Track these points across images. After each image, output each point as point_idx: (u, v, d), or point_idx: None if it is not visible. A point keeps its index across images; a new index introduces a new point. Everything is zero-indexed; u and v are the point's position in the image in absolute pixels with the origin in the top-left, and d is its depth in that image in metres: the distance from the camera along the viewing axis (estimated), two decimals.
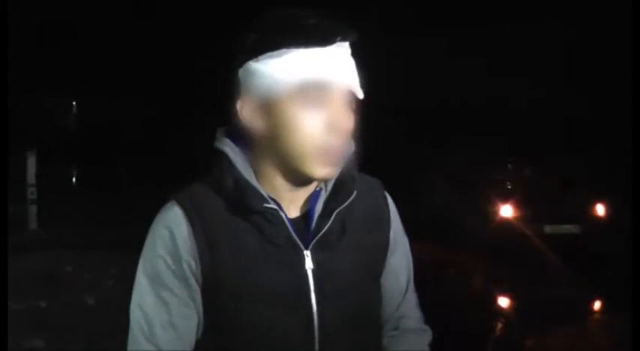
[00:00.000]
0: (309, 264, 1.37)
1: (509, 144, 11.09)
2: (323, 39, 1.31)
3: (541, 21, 14.07)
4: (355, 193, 1.42)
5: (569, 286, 7.23)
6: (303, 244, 1.37)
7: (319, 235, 1.38)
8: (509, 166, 10.49)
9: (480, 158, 10.34)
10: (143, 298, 1.39)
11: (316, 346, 1.38)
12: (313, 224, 1.39)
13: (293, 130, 1.33)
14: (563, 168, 10.10)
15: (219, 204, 1.38)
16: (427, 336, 1.61)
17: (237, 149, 1.41)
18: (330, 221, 1.38)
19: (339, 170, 1.40)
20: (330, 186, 1.43)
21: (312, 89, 1.32)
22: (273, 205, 1.36)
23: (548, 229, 9.14)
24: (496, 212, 9.24)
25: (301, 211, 1.42)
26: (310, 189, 1.42)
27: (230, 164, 1.39)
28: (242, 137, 1.42)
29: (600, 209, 9.43)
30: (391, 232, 1.52)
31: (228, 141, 1.42)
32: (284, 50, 1.32)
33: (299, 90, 1.32)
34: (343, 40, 1.34)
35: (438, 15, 14.93)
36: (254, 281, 1.35)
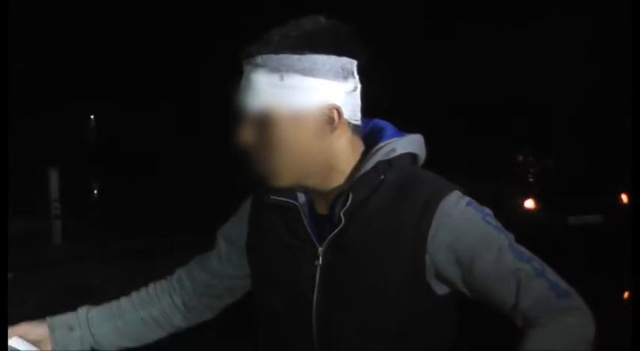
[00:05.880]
0: (319, 261, 1.40)
1: (531, 136, 11.03)
2: (241, 55, 1.39)
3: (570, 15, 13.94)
4: (352, 196, 1.38)
5: (593, 277, 7.16)
6: (319, 242, 1.41)
7: (331, 235, 1.40)
8: (531, 158, 10.43)
9: (501, 151, 10.28)
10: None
11: (315, 341, 1.40)
12: (330, 223, 1.41)
13: None
14: (587, 158, 10.02)
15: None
16: (568, 321, 1.33)
17: None
18: (343, 222, 1.38)
19: (288, 180, 1.41)
20: (351, 187, 1.42)
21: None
22: (288, 199, 1.43)
23: (572, 220, 9.07)
24: (519, 205, 9.18)
25: (328, 210, 1.44)
26: (337, 188, 1.42)
27: None
28: None
29: (625, 199, 9.34)
30: (433, 243, 1.37)
31: None
32: None
33: None
34: (250, 56, 1.37)
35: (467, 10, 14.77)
36: (270, 269, 1.47)
